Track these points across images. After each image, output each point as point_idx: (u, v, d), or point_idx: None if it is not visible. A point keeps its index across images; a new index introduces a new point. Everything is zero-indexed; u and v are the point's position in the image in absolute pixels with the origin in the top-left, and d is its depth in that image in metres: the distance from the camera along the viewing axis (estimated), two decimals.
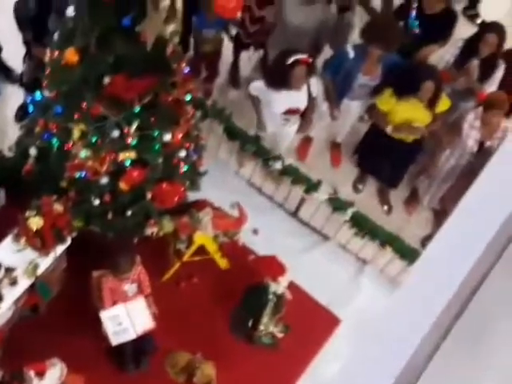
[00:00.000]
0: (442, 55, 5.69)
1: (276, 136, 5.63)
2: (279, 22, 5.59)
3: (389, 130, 5.36)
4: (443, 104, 5.29)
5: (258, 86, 5.26)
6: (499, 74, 5.47)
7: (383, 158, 5.69)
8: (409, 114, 5.27)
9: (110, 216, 4.57)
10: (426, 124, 5.30)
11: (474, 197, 2.02)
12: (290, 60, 4.94)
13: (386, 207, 6.02)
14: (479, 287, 1.87)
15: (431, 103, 5.19)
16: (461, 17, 5.86)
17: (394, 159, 5.66)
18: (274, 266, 4.85)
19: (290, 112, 5.32)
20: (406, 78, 5.16)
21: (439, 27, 5.59)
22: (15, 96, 5.68)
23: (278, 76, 5.06)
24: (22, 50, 5.52)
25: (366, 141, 5.82)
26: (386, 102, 5.29)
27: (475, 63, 5.43)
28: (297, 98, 5.25)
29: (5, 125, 5.52)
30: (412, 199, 6.06)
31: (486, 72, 5.45)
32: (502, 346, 1.74)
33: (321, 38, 5.65)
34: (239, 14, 5.16)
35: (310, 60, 5.01)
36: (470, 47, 5.43)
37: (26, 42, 5.37)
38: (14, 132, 4.86)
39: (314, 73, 5.22)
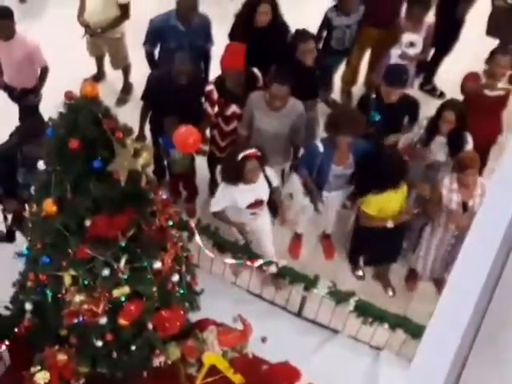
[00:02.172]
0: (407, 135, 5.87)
1: (255, 235, 5.67)
2: (253, 133, 5.77)
3: (389, 224, 5.44)
4: None
5: (218, 197, 5.35)
6: (469, 146, 5.58)
7: (375, 247, 5.73)
8: (395, 203, 5.39)
9: (115, 355, 4.52)
10: (402, 204, 5.42)
11: (463, 261, 2.05)
12: (240, 157, 5.06)
13: (390, 291, 6.00)
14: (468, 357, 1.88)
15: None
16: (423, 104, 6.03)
17: (386, 244, 5.68)
18: (288, 372, 4.78)
19: (254, 205, 5.38)
20: (383, 175, 5.26)
21: (400, 114, 5.77)
22: (3, 253, 5.73)
23: (233, 173, 5.17)
24: None
25: (356, 240, 5.90)
26: (371, 204, 5.40)
27: (441, 140, 5.60)
28: (257, 190, 5.32)
29: None
30: (411, 276, 6.05)
31: (455, 147, 5.58)
32: None
33: (296, 137, 5.82)
34: (201, 146, 5.40)
35: (258, 153, 5.11)
36: (433, 126, 5.59)
37: None
38: (7, 291, 4.87)
39: (267, 163, 5.31)
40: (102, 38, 6.71)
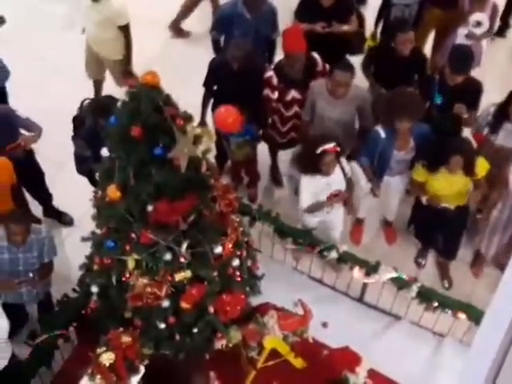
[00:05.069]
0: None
1: (326, 226, 5.67)
2: (315, 119, 5.75)
3: (424, 200, 5.35)
4: (482, 169, 5.25)
5: (303, 192, 5.35)
6: None
7: (434, 228, 5.65)
8: (444, 185, 5.26)
9: (177, 337, 4.61)
10: (466, 189, 5.27)
11: None
12: (318, 151, 5.05)
13: (446, 283, 5.91)
14: None
15: (468, 172, 5.18)
16: (488, 84, 5.84)
17: (444, 229, 5.59)
18: (349, 358, 4.78)
19: (332, 196, 5.39)
20: (435, 153, 5.18)
21: (464, 97, 5.63)
22: (71, 238, 5.92)
23: (310, 165, 5.19)
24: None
25: (415, 213, 5.82)
26: (420, 173, 5.32)
27: (510, 127, 5.45)
28: (335, 181, 5.33)
29: (66, 268, 5.72)
30: (477, 261, 5.94)
31: None
32: None
33: (364, 121, 5.79)
34: (239, 128, 5.43)
35: (338, 149, 5.10)
36: (502, 112, 5.44)
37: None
38: (74, 274, 5.04)
39: (343, 154, 5.32)
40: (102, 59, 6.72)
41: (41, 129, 5.48)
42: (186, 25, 8.08)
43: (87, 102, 5.68)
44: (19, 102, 5.84)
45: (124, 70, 6.63)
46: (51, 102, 6.83)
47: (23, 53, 7.44)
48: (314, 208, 5.42)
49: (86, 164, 5.45)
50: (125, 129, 3.86)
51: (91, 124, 5.35)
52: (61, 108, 6.02)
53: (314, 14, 6.06)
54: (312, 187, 5.29)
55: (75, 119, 5.66)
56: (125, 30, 6.46)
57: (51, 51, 7.55)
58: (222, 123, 5.37)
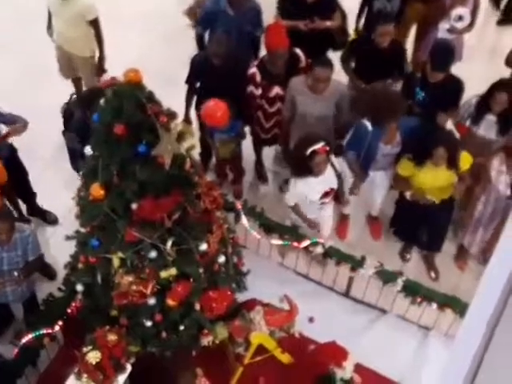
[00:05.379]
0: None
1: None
2: (296, 116, 5.75)
3: (408, 196, 5.38)
4: (466, 162, 5.28)
5: (292, 191, 5.35)
6: None
7: (418, 224, 5.67)
8: (430, 179, 5.28)
9: (164, 335, 4.60)
10: (450, 183, 5.30)
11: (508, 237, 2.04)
12: (308, 152, 5.05)
13: (432, 273, 5.94)
14: None
15: (451, 164, 5.20)
16: (470, 79, 5.86)
17: (429, 223, 5.62)
18: (335, 352, 4.79)
19: (325, 195, 5.40)
20: (421, 145, 5.20)
21: (445, 94, 5.64)
22: (56, 236, 5.89)
23: (302, 168, 5.18)
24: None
25: (398, 211, 5.83)
26: (406, 167, 5.34)
27: (491, 118, 5.48)
28: (327, 180, 5.34)
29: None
30: (461, 255, 5.98)
31: (505, 125, 5.46)
32: None
33: (340, 117, 5.77)
34: (227, 122, 5.42)
35: (328, 148, 5.10)
36: (484, 104, 5.46)
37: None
38: (59, 273, 5.02)
39: (332, 152, 5.31)
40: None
41: (26, 121, 5.44)
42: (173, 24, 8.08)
43: (75, 96, 5.68)
44: (11, 100, 5.79)
45: (97, 66, 6.60)
46: (41, 99, 6.77)
47: (17, 52, 7.43)
48: (301, 218, 5.48)
49: (80, 159, 5.44)
50: (108, 127, 3.84)
51: (80, 116, 5.34)
52: (49, 106, 5.99)
53: (297, 9, 6.06)
54: (306, 190, 5.29)
55: (65, 113, 5.64)
56: (95, 24, 6.40)
57: (44, 49, 7.50)
58: (211, 117, 5.35)
